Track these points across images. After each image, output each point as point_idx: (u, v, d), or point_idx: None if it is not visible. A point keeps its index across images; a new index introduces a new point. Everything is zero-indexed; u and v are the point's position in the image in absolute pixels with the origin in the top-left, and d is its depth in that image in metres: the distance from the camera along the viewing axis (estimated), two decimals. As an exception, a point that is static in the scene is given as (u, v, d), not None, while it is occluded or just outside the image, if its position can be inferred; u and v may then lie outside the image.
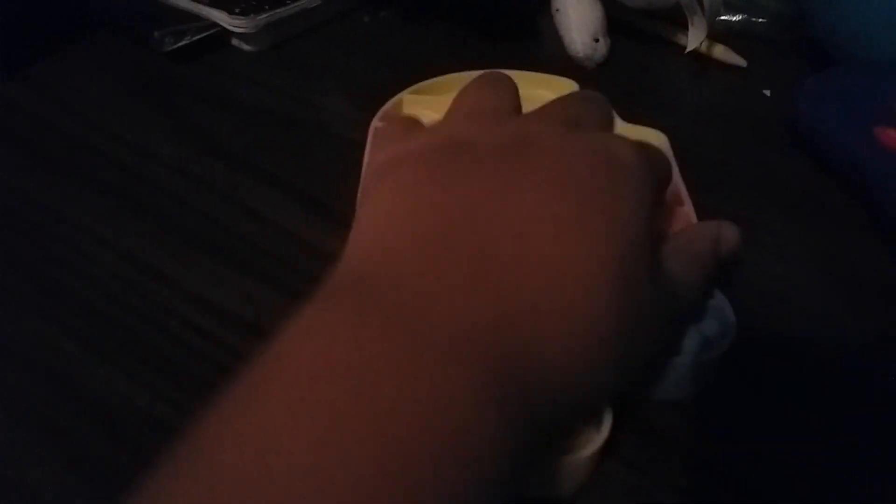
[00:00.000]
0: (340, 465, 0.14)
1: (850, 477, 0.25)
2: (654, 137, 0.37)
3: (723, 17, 0.48)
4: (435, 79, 0.40)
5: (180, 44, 0.43)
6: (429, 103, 0.39)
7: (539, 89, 0.41)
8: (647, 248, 0.21)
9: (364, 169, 0.27)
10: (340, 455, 0.14)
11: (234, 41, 0.46)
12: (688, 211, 0.32)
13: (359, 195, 0.23)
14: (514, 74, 0.42)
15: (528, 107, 0.39)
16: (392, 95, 0.39)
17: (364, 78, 0.44)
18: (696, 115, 0.43)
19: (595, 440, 0.23)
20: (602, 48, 0.45)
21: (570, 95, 0.28)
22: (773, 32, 0.48)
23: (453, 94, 0.40)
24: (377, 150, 0.25)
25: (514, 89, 0.27)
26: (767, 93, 0.44)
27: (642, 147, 0.23)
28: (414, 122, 0.26)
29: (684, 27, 0.46)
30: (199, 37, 0.43)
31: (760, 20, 0.48)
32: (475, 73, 0.41)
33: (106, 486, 0.23)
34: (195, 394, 0.26)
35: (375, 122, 0.36)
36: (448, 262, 0.18)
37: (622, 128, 0.37)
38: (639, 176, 0.21)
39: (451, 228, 0.19)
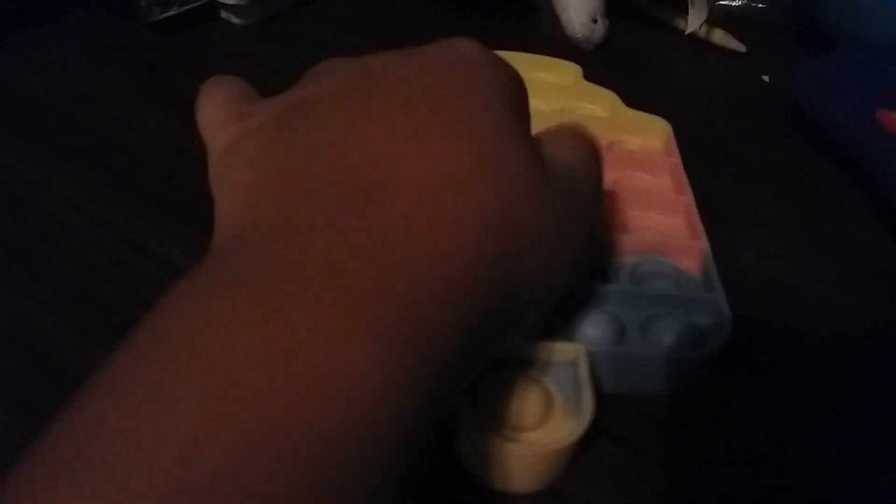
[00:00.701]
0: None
1: (851, 465, 0.24)
2: (659, 125, 0.36)
3: (722, 2, 0.48)
4: None
5: (167, 14, 0.41)
6: None
7: (538, 72, 0.40)
8: (520, 133, 0.20)
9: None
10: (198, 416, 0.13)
11: (223, 14, 0.44)
12: (688, 201, 0.31)
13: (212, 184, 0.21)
14: (512, 56, 0.41)
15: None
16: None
17: (355, 55, 0.43)
18: (695, 100, 0.42)
19: (573, 430, 0.22)
20: (600, 29, 0.44)
21: None
22: (773, 17, 0.48)
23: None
24: (210, 139, 0.22)
25: None
26: (766, 78, 0.44)
27: (489, 50, 0.22)
28: (238, 103, 0.22)
29: (683, 11, 0.46)
30: (186, 7, 0.42)
31: (760, 5, 0.48)
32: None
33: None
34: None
35: None
36: (312, 203, 0.17)
37: (625, 113, 0.37)
38: (489, 68, 0.21)
39: (309, 172, 0.18)
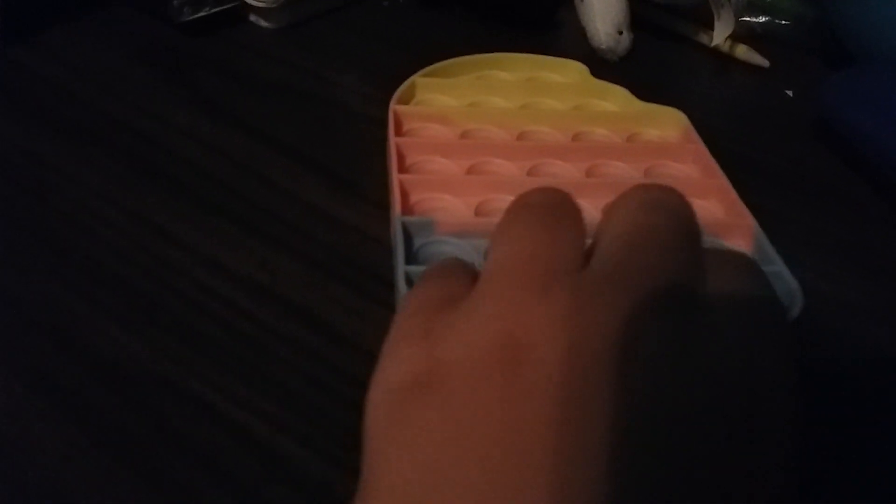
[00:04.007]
0: None
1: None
2: (674, 116, 0.36)
3: (746, 19, 0.48)
4: (447, 61, 0.40)
5: (198, 15, 0.42)
6: (440, 86, 0.38)
7: (545, 71, 0.41)
8: None
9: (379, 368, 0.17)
10: None
11: (252, 17, 0.45)
12: (724, 183, 0.32)
13: (367, 428, 0.16)
14: (517, 58, 0.42)
15: (533, 89, 0.39)
16: (408, 78, 0.38)
17: (381, 60, 0.43)
18: (719, 113, 0.42)
19: None
20: (625, 41, 0.44)
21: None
22: (796, 35, 0.48)
23: (465, 77, 0.40)
24: (392, 353, 0.17)
25: (577, 226, 0.17)
26: (790, 93, 0.44)
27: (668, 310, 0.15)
28: (444, 296, 0.17)
29: (707, 25, 0.46)
30: (217, 9, 0.42)
31: (783, 22, 0.48)
32: (486, 56, 0.41)
33: (112, 444, 0.22)
34: (204, 354, 0.25)
35: (393, 105, 0.35)
36: None
37: (638, 106, 0.37)
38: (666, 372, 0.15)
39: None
